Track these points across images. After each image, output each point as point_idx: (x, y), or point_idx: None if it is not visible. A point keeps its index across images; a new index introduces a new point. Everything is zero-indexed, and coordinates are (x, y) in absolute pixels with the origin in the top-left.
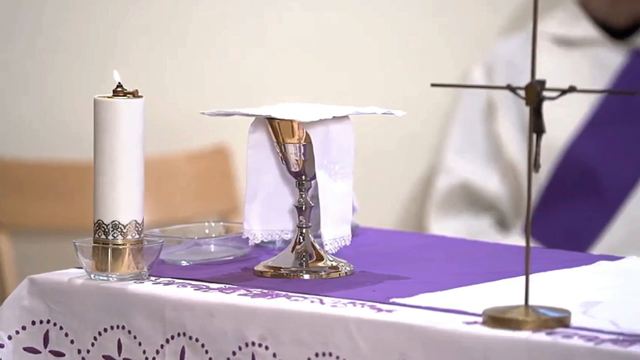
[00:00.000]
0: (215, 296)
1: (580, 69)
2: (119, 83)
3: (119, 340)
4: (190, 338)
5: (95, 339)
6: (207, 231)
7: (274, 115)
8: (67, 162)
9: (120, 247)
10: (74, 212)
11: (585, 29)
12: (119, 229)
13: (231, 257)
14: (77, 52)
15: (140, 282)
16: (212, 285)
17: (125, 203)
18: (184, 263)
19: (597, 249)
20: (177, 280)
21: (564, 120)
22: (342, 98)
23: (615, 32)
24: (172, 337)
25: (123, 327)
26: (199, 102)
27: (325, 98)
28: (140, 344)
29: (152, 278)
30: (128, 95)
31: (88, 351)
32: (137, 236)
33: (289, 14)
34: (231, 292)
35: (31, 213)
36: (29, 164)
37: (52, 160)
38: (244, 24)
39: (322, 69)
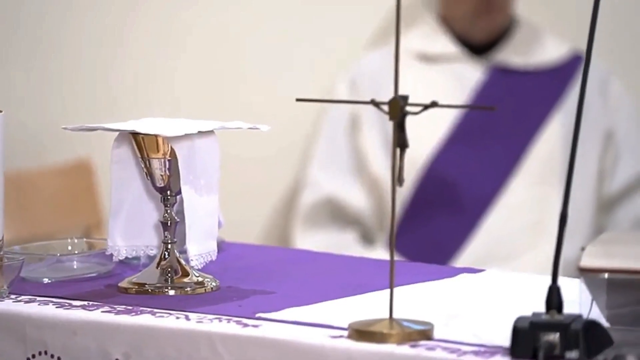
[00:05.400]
0: (78, 313)
1: (441, 84)
2: None
3: None
4: (52, 356)
5: None
6: (69, 247)
7: (138, 130)
8: None
9: None
10: None
11: (445, 44)
12: None
13: (94, 274)
14: None
15: (0, 301)
16: (74, 303)
17: None
18: (46, 280)
19: (459, 261)
20: (38, 298)
21: (427, 135)
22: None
23: (475, 48)
24: (34, 356)
25: None
26: (61, 117)
27: (191, 113)
28: None
29: (13, 296)
30: None
31: None
32: None
33: (155, 25)
34: (94, 309)
35: None
36: None
37: None
38: (107, 36)
39: (187, 84)
